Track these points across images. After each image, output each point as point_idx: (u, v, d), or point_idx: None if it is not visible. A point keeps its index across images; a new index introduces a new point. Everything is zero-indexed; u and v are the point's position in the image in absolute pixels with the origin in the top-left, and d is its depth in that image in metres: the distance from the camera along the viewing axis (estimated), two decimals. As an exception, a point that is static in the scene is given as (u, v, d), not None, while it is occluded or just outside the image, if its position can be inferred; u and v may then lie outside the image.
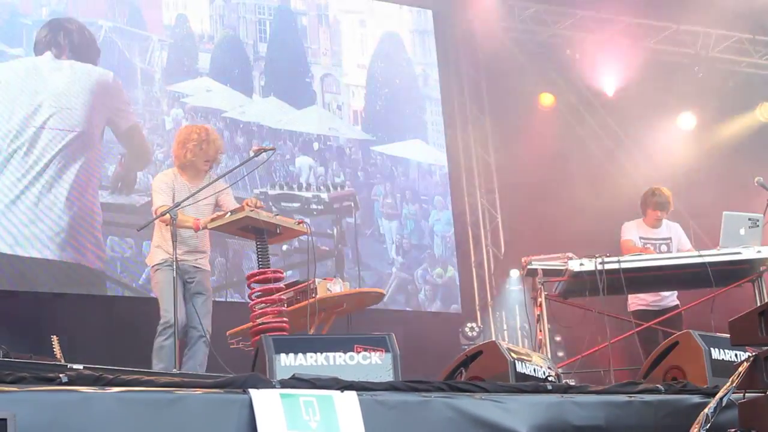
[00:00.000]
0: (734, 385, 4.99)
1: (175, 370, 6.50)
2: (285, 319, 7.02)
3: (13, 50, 10.15)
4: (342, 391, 4.54)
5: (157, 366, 6.84)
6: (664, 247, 8.66)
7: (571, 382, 6.42)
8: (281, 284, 7.21)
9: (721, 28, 13.04)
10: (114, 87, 10.60)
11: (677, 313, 8.63)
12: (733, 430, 4.88)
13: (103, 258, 10.07)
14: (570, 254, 7.88)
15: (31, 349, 6.55)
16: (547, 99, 13.41)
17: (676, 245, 8.71)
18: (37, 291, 9.69)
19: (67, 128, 10.10)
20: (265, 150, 7.13)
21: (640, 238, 8.72)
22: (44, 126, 9.95)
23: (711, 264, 7.86)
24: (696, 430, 4.86)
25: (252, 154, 7.16)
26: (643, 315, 8.61)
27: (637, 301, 8.75)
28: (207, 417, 4.23)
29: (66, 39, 10.40)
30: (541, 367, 6.00)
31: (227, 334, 7.91)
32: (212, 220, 6.98)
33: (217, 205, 7.27)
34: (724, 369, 5.76)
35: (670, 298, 8.77)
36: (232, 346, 7.93)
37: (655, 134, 13.19)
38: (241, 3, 11.83)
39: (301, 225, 7.18)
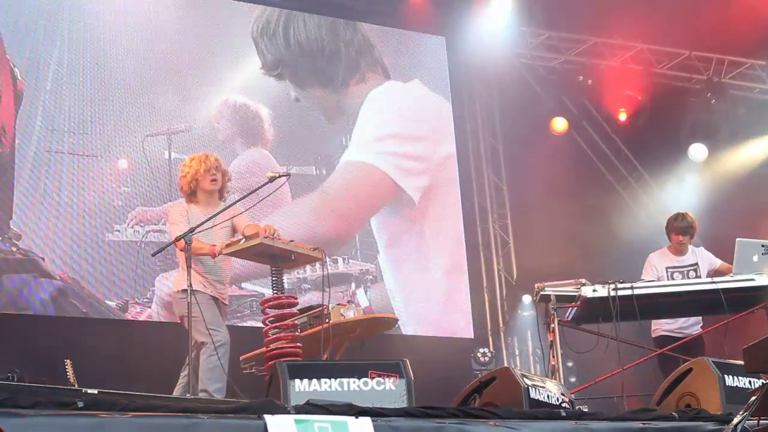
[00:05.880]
0: (748, 412, 4.98)
1: (189, 395, 6.51)
2: (299, 344, 7.03)
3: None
4: (356, 417, 4.55)
5: (212, 386, 6.86)
6: (692, 274, 8.63)
7: (585, 409, 6.41)
8: (295, 309, 7.23)
9: (733, 54, 13.05)
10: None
11: (700, 341, 8.61)
12: (747, 457, 4.88)
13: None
14: (583, 280, 7.87)
15: (42, 373, 6.56)
16: (559, 124, 13.44)
17: (705, 269, 8.68)
18: (45, 315, 9.72)
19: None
20: (280, 176, 7.15)
21: (667, 267, 8.70)
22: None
23: (724, 290, 7.83)
24: (710, 457, 4.86)
25: (267, 179, 7.18)
26: (666, 341, 8.59)
27: (662, 327, 8.74)
28: (222, 442, 4.24)
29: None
30: (555, 393, 6.00)
31: (240, 359, 7.92)
32: (227, 245, 7.00)
33: (234, 230, 7.30)
34: (738, 396, 5.75)
35: (694, 326, 8.75)
36: (245, 371, 7.94)
37: (668, 160, 13.19)
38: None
39: (316, 251, 7.19)
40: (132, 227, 10.32)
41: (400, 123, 12.60)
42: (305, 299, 9.72)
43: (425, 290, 12.11)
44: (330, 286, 7.11)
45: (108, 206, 10.32)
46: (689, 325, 8.71)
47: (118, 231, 10.27)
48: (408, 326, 11.74)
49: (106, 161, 10.44)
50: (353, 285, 11.45)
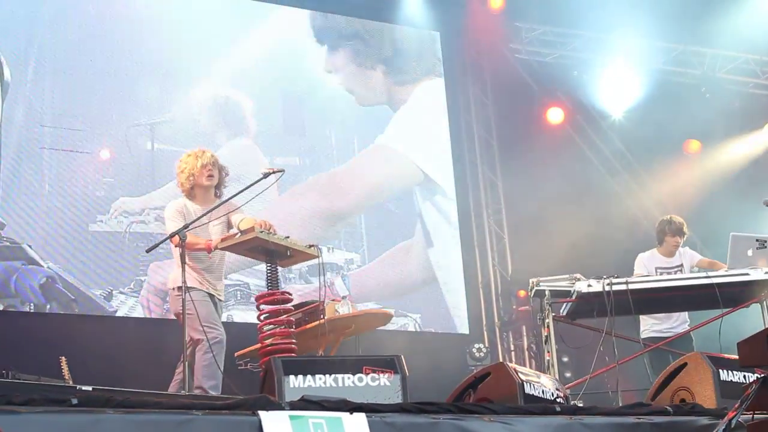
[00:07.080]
0: (743, 406, 4.98)
1: (183, 392, 6.51)
2: (293, 340, 7.03)
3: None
4: (351, 413, 4.54)
5: (207, 383, 6.86)
6: (679, 274, 8.71)
7: (579, 404, 6.41)
8: (290, 306, 7.23)
9: (728, 49, 13.06)
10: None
11: (689, 340, 8.65)
12: (742, 452, 4.88)
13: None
14: (578, 275, 7.88)
15: (37, 370, 6.55)
16: (555, 115, 13.42)
17: (688, 267, 8.76)
18: (39, 311, 9.71)
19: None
20: (275, 172, 7.14)
21: (656, 268, 8.78)
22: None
23: (719, 285, 7.85)
24: (705, 452, 4.86)
25: (262, 175, 7.17)
26: (655, 342, 8.63)
27: (650, 327, 8.79)
28: (216, 439, 4.24)
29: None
30: (550, 388, 6.00)
31: (235, 355, 7.91)
32: (223, 240, 7.00)
33: (229, 225, 7.29)
34: (733, 391, 5.76)
35: (682, 325, 8.79)
36: (240, 368, 7.93)
37: (662, 155, 13.20)
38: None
39: (312, 248, 7.18)
40: (115, 218, 10.31)
41: (438, 118, 12.90)
42: (290, 288, 9.71)
43: (422, 285, 12.13)
44: (325, 281, 7.12)
45: (91, 196, 10.29)
46: (677, 325, 8.79)
47: (101, 221, 10.25)
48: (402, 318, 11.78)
49: (88, 152, 10.40)
50: (328, 275, 11.42)
